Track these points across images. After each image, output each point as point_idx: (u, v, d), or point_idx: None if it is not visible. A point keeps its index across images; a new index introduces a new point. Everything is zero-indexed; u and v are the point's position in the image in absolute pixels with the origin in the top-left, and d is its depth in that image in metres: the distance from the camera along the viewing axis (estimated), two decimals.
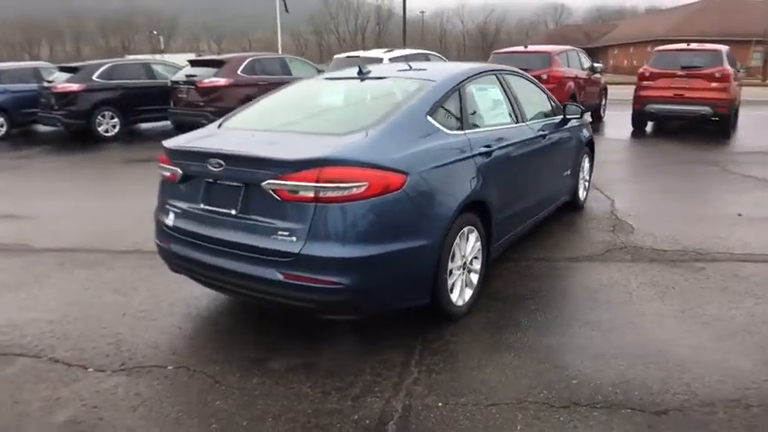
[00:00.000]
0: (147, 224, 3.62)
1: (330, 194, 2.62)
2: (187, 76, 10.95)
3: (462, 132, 3.39)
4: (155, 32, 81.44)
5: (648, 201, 6.34)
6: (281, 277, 2.71)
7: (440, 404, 2.55)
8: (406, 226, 2.83)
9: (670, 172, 7.83)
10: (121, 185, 7.71)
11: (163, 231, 3.26)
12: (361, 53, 11.63)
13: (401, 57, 10.80)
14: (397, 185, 2.74)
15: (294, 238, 2.68)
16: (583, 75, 11.71)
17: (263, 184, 2.72)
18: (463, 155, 3.25)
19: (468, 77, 3.70)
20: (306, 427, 2.41)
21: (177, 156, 3.14)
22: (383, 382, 2.73)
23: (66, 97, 11.12)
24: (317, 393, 2.65)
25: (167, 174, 3.21)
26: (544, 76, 9.92)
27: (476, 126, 3.59)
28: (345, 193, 2.61)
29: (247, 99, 10.44)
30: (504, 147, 3.70)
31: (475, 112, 3.69)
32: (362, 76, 3.78)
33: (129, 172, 8.62)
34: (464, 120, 3.49)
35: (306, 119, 3.65)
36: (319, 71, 12.65)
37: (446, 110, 3.38)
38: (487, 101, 3.98)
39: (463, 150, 3.27)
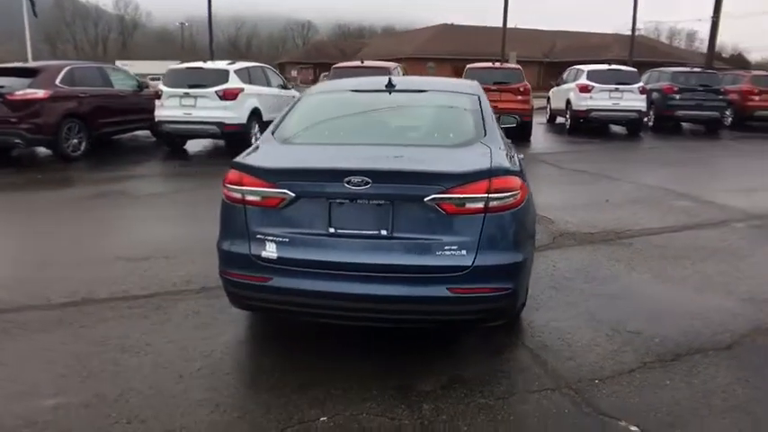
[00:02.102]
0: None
1: (498, 204, 2.71)
2: None
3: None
4: None
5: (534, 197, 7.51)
6: (447, 293, 2.69)
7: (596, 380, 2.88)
8: (533, 228, 3.08)
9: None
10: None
11: (256, 266, 2.83)
12: (203, 64, 10.87)
13: (244, 69, 10.50)
14: (527, 191, 2.96)
15: (464, 251, 2.69)
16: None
17: (427, 199, 2.66)
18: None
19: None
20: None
21: (288, 176, 2.80)
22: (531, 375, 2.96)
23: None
24: (489, 400, 2.71)
25: (261, 198, 2.82)
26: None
27: None
28: (510, 201, 2.74)
29: (70, 115, 9.11)
30: None
31: None
32: (391, 89, 3.78)
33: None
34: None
35: (395, 133, 3.53)
36: (140, 83, 11.36)
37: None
38: None
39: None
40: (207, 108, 9.58)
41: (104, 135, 10.37)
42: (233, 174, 2.93)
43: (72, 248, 5.14)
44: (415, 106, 3.81)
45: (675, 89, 14.15)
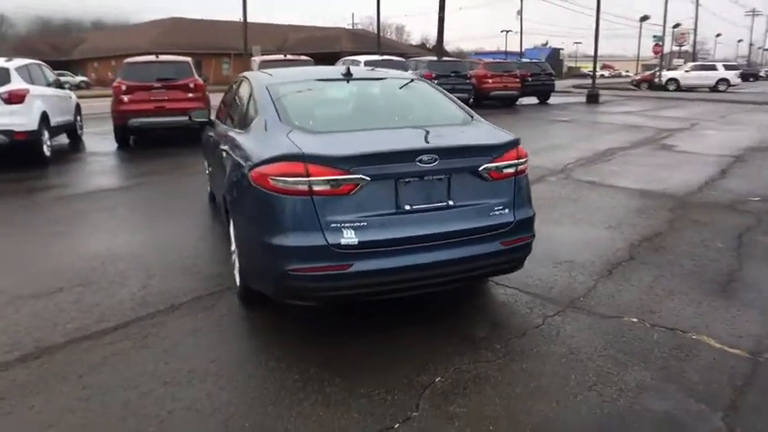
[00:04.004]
0: None
1: (521, 168, 3.31)
2: None
3: None
4: None
5: None
6: (501, 247, 3.20)
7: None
8: None
9: None
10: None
11: (335, 255, 2.87)
12: None
13: (24, 66, 8.81)
14: None
15: (507, 210, 3.23)
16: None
17: (480, 168, 3.09)
18: None
19: None
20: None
21: (361, 161, 2.88)
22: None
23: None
24: (531, 329, 3.36)
25: (331, 186, 2.85)
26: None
27: None
28: (524, 166, 3.36)
29: None
30: None
31: None
32: (350, 76, 3.98)
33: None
34: None
35: (404, 116, 3.71)
36: None
37: None
38: None
39: None
40: None
41: None
42: (291, 165, 2.84)
43: None
44: (395, 93, 4.09)
45: (433, 75, 16.54)
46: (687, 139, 11.57)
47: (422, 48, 72.50)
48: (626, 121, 15.63)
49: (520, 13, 60.85)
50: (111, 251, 4.81)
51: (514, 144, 3.30)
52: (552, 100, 23.51)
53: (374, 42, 51.59)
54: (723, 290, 3.94)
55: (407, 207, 2.99)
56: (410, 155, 2.96)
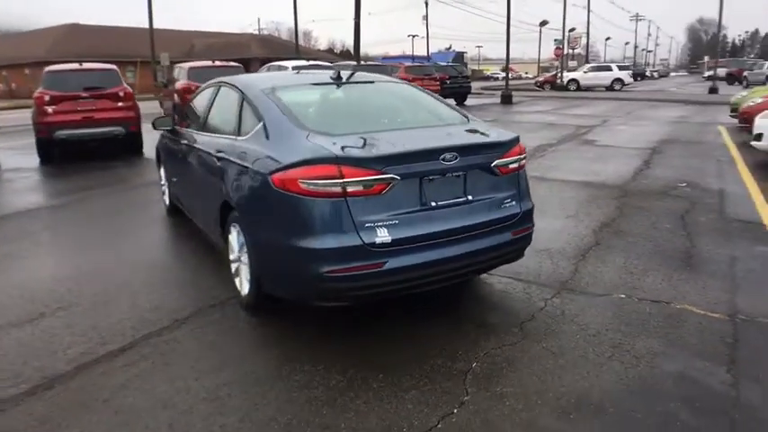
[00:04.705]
0: None
1: (523, 162, 3.54)
2: None
3: None
4: None
5: None
6: (510, 237, 3.41)
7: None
8: None
9: None
10: None
11: (370, 254, 2.93)
12: None
13: None
14: None
15: (514, 202, 3.44)
16: None
17: (493, 164, 3.27)
18: None
19: None
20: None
21: (392, 161, 2.95)
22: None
23: None
24: (537, 313, 3.60)
25: (365, 187, 2.91)
26: None
27: None
28: (524, 161, 3.59)
29: None
30: None
31: None
32: (345, 81, 4.08)
33: None
34: None
35: (410, 117, 3.83)
36: None
37: None
38: None
39: None
40: None
41: None
42: (324, 168, 2.86)
43: None
44: (391, 95, 4.20)
45: None
46: (605, 135, 12.57)
47: (330, 53, 72.77)
48: (544, 119, 16.67)
49: (426, 18, 62.69)
50: (81, 270, 4.52)
51: (517, 141, 3.52)
52: (468, 101, 24.52)
53: (284, 48, 51.31)
54: (686, 265, 4.41)
55: (433, 204, 3.11)
56: (435, 153, 3.09)
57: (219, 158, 3.79)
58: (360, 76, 4.21)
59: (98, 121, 9.52)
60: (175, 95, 12.22)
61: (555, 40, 37.99)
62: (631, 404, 2.63)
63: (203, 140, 4.38)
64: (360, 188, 2.91)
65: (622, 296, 3.83)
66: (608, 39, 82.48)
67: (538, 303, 3.73)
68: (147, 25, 30.23)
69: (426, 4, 64.17)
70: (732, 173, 7.96)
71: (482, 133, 3.52)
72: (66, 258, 4.90)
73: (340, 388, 2.79)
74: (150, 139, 11.48)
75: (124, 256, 4.89)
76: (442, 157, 3.09)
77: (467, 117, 3.83)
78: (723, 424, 2.50)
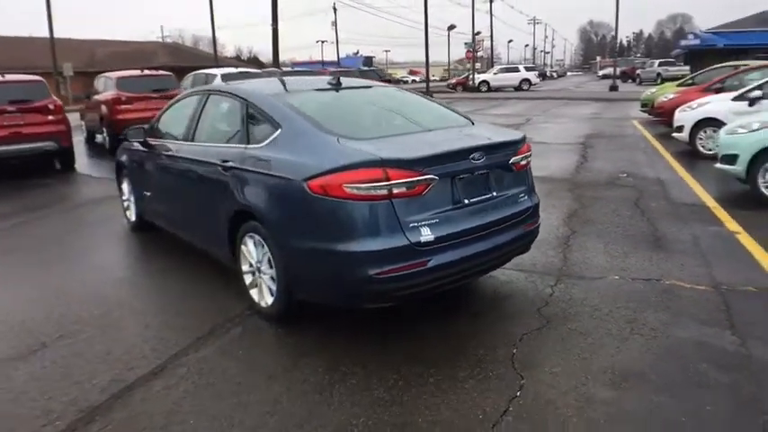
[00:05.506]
0: None
1: (529, 159, 3.76)
2: None
3: None
4: None
5: None
6: (524, 230, 3.63)
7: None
8: None
9: None
10: None
11: (416, 253, 3.01)
12: None
13: None
14: None
15: (526, 197, 3.67)
16: None
17: (510, 161, 3.47)
18: None
19: None
20: None
21: (430, 162, 3.05)
22: None
23: None
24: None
25: (408, 188, 2.99)
26: None
27: None
28: (531, 158, 3.82)
29: None
30: None
31: None
32: (347, 86, 4.16)
33: None
34: None
35: (423, 120, 3.84)
36: None
37: None
38: None
39: None
40: None
41: None
42: (371, 171, 2.91)
43: None
44: (396, 100, 4.28)
45: None
46: (534, 132, 13.33)
47: (237, 60, 71.14)
48: None
49: (335, 23, 62.92)
50: (69, 294, 4.21)
51: (525, 139, 3.74)
52: None
53: (193, 56, 49.58)
54: (658, 245, 4.87)
55: (465, 201, 3.25)
56: (465, 153, 3.24)
57: (227, 168, 3.71)
58: (356, 81, 4.28)
59: (27, 136, 8.79)
60: (103, 107, 11.48)
61: (465, 44, 39.67)
62: (667, 370, 2.92)
63: (195, 151, 4.24)
64: (403, 189, 2.99)
65: (616, 277, 4.17)
66: (510, 41, 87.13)
67: (545, 290, 3.98)
68: (39, 35, 28.00)
69: (335, 9, 64.45)
70: (661, 162, 8.80)
71: (496, 133, 3.71)
72: (42, 284, 4.52)
73: (400, 386, 2.85)
74: (78, 153, 10.80)
75: (106, 276, 4.61)
76: (471, 156, 3.25)
77: (469, 119, 4.02)
78: (746, 377, 2.84)
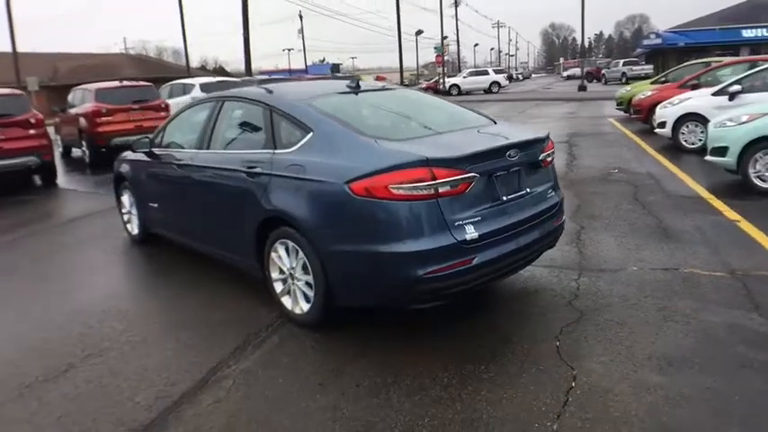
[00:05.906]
0: None
1: (554, 156, 3.83)
2: None
3: None
4: None
5: None
6: (554, 225, 3.69)
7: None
8: None
9: None
10: None
11: (461, 251, 3.03)
12: None
13: None
14: None
15: (553, 193, 3.73)
16: None
17: (540, 158, 3.53)
18: None
19: None
20: None
21: (472, 160, 3.09)
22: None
23: None
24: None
25: (452, 187, 3.02)
26: None
27: None
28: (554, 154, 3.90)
29: None
30: None
31: None
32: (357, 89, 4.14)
33: None
34: None
35: (451, 120, 3.93)
36: None
37: None
38: None
39: None
40: None
41: None
42: (417, 171, 2.92)
43: None
44: (419, 101, 4.33)
45: None
46: None
47: (203, 70, 70.29)
48: None
49: (301, 31, 62.76)
50: (83, 312, 4.08)
51: (549, 137, 3.82)
52: None
53: (160, 67, 48.73)
54: (667, 236, 5.01)
55: (504, 198, 3.29)
56: (502, 151, 3.29)
57: (254, 174, 3.67)
58: (372, 84, 4.30)
59: (8, 151, 8.50)
60: (82, 120, 11.18)
61: (435, 48, 40.02)
62: (708, 353, 3.01)
63: (212, 158, 4.19)
64: (448, 188, 3.02)
65: (635, 268, 4.28)
66: (476, 45, 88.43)
67: (570, 284, 4.05)
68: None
69: (301, 17, 64.29)
70: (647, 157, 9.06)
71: (522, 131, 3.78)
72: (52, 302, 4.37)
73: (455, 384, 2.87)
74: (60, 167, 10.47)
75: (120, 290, 4.50)
76: (507, 153, 3.30)
77: (491, 118, 4.07)
78: None
